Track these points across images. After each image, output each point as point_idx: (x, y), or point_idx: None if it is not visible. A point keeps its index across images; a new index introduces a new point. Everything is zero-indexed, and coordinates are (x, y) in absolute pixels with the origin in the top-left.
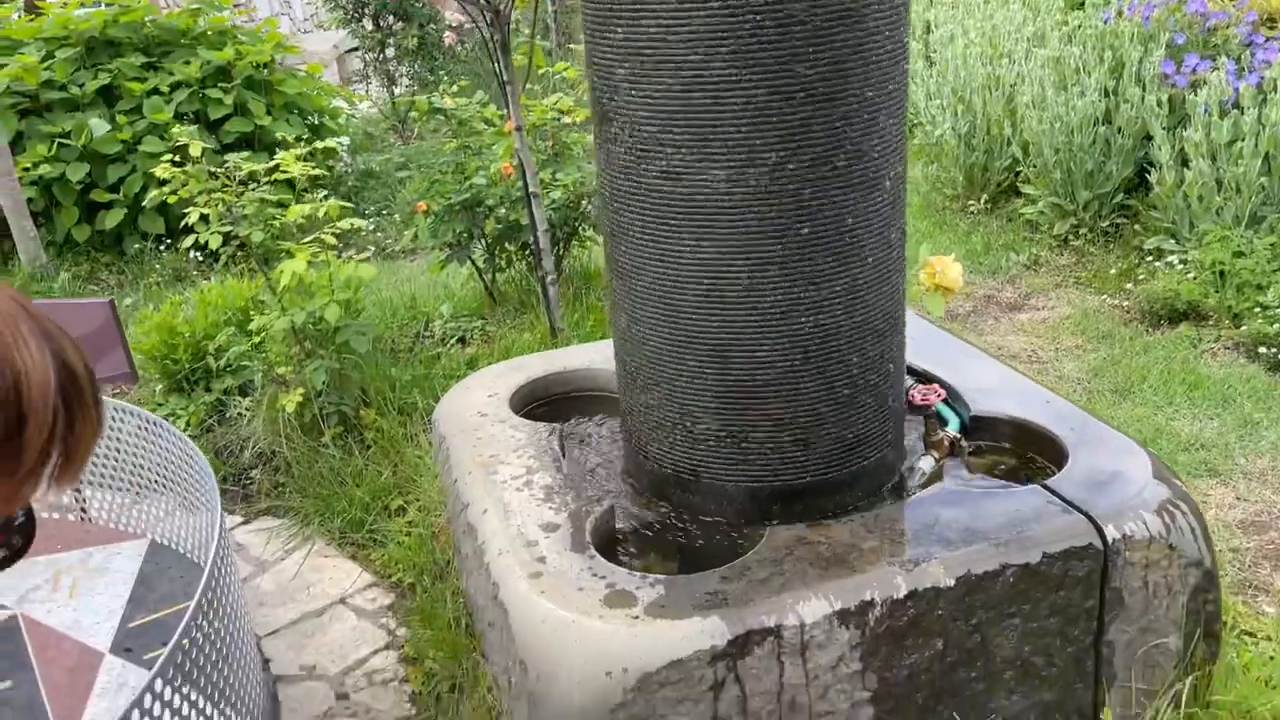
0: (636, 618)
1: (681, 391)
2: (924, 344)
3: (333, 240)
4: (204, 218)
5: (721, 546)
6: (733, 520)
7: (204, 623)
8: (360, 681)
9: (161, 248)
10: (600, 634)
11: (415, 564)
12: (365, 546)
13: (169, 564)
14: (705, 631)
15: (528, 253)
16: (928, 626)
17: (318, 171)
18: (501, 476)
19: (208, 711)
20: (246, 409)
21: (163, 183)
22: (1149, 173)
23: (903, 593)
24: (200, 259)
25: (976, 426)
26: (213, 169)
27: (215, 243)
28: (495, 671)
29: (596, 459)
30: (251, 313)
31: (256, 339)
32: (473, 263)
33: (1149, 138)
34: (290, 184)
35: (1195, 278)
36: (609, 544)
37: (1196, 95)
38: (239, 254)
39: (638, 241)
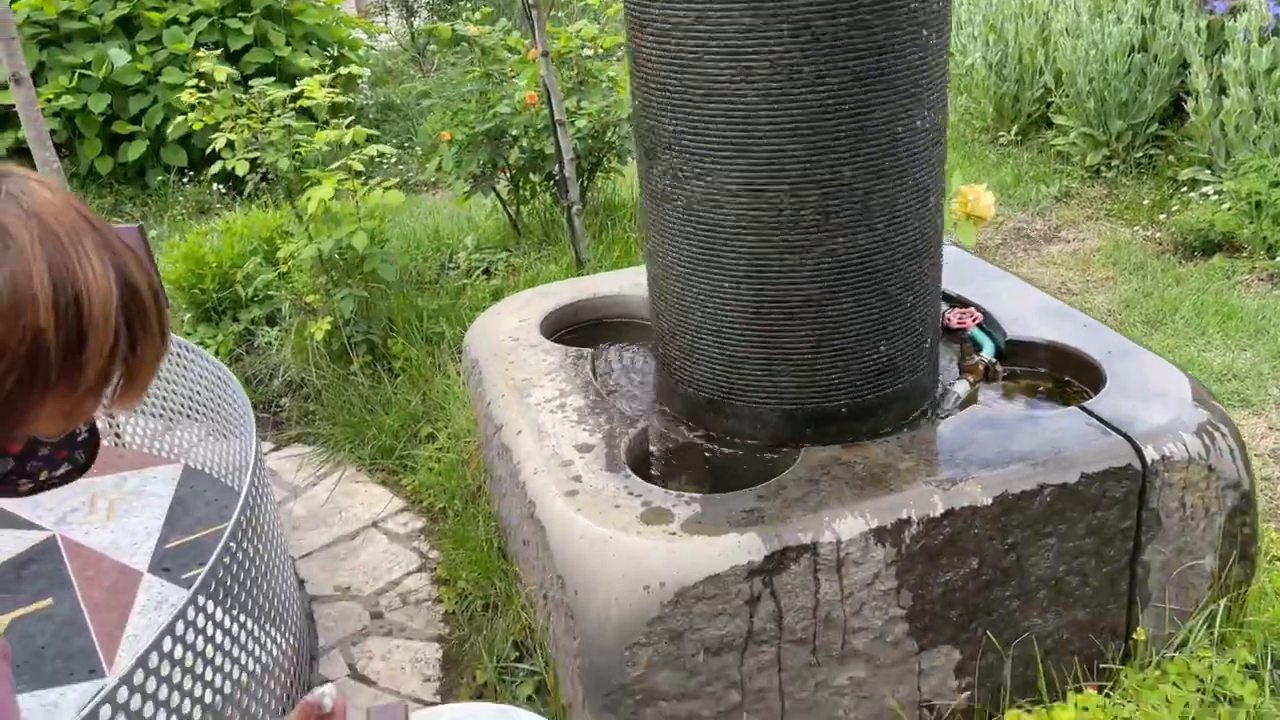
0: (674, 534)
1: (715, 313)
2: (959, 270)
3: (359, 166)
4: (230, 145)
5: (755, 468)
6: (766, 443)
7: (243, 543)
8: (394, 601)
9: (184, 180)
10: (638, 549)
11: (446, 489)
12: (396, 473)
13: (203, 488)
14: (742, 547)
15: (552, 184)
16: (963, 545)
17: (341, 98)
18: (535, 399)
19: (248, 627)
20: (275, 338)
21: (186, 112)
22: (1185, 102)
23: (939, 511)
24: (223, 191)
25: (1012, 351)
26: (237, 95)
27: (242, 169)
28: (530, 590)
29: (628, 384)
30: (278, 242)
31: (284, 268)
32: (497, 194)
33: (1186, 65)
34: (312, 116)
35: (1230, 208)
36: (642, 466)
37: (1235, 21)
38: (263, 185)
39: (673, 160)
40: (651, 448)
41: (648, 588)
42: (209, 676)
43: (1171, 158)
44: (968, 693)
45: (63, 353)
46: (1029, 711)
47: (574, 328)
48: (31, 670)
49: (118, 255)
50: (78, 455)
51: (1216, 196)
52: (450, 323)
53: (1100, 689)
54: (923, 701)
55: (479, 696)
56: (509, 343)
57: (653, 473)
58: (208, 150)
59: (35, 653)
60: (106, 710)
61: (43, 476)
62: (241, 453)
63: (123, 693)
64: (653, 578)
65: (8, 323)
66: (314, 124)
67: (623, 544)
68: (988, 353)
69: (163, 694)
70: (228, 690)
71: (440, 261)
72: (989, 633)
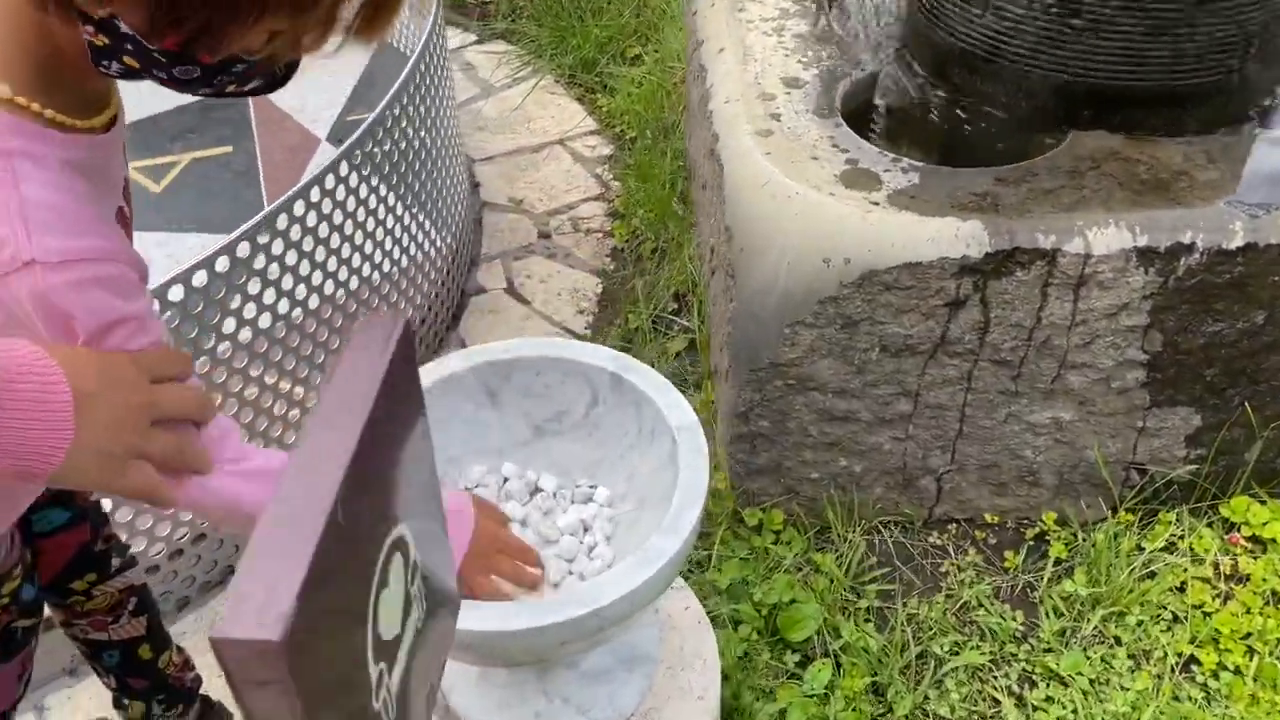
0: (876, 204)
1: None
2: None
3: None
4: None
5: (1002, 147)
6: (1025, 117)
7: (403, 122)
8: (564, 225)
9: None
10: (828, 214)
11: (641, 117)
12: (593, 91)
13: (396, 67)
14: (959, 236)
15: None
16: (1253, 292)
17: None
18: (750, 15)
19: (398, 211)
20: None
21: None
22: None
23: (1236, 243)
24: None
25: None
26: None
27: None
28: (701, 239)
29: (866, 18)
30: None
31: None
32: None
33: None
34: None
35: None
36: (860, 118)
37: None
38: None
39: None
40: (877, 99)
41: (828, 261)
42: (366, 249)
43: None
44: (1194, 465)
45: None
46: (1263, 502)
47: None
48: (200, 215)
49: None
50: (278, 69)
51: None
52: None
53: None
54: (1133, 463)
55: (628, 340)
56: None
57: (871, 128)
58: None
59: (209, 196)
60: (245, 248)
61: (229, 90)
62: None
63: (262, 236)
64: (837, 251)
65: None
66: None
67: (810, 203)
68: None
69: (306, 246)
70: (366, 272)
71: None
72: (1248, 404)
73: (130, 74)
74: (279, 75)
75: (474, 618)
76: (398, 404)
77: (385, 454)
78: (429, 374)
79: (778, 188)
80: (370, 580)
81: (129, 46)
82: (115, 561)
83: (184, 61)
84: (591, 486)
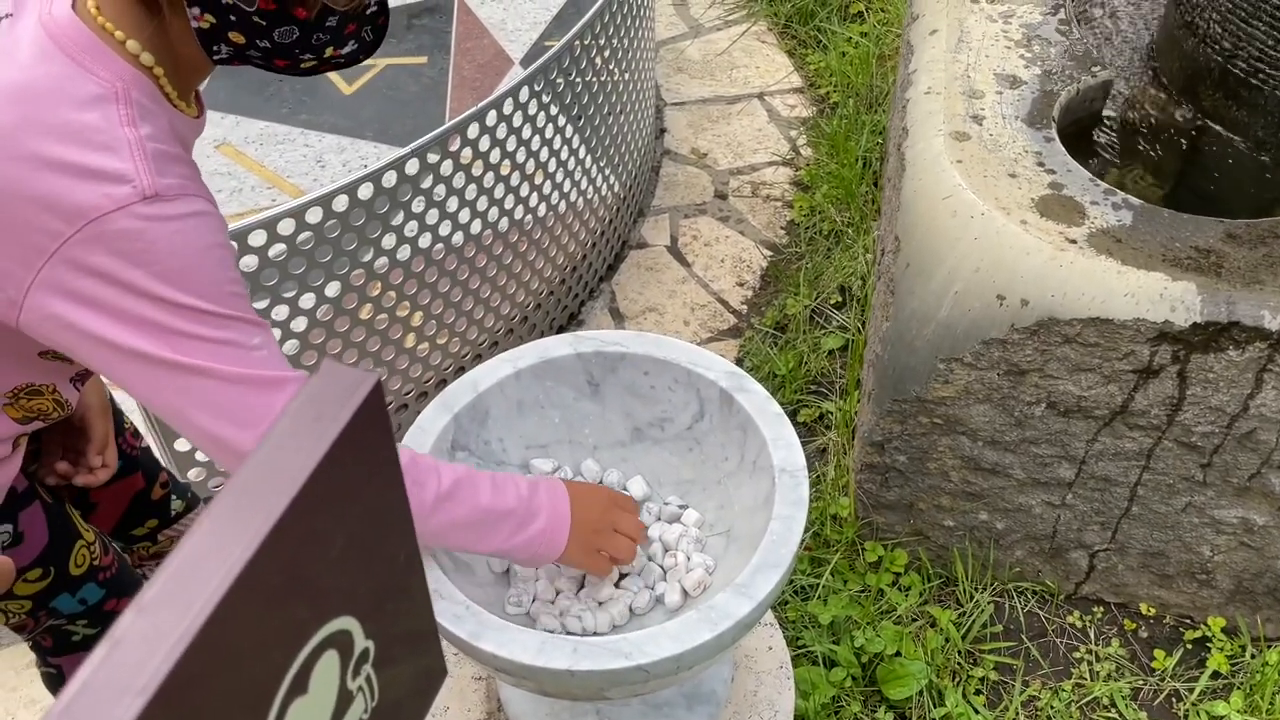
0: (1073, 241)
1: None
2: None
3: None
4: None
5: (1248, 191)
6: None
7: (593, 53)
8: (744, 188)
9: None
10: (1013, 244)
11: (851, 83)
12: (805, 45)
13: None
14: (1165, 298)
15: None
16: None
17: None
18: None
19: (574, 144)
20: None
21: None
22: None
23: None
24: None
25: None
26: None
27: None
28: (880, 234)
29: (1116, 19)
30: None
31: None
32: None
33: None
34: None
35: None
36: (1081, 136)
37: None
38: None
39: None
40: (1107, 111)
41: (1003, 299)
42: (536, 179)
43: None
44: None
45: None
46: None
47: None
48: (381, 123)
49: None
50: (366, 34)
51: None
52: None
53: None
54: None
55: (780, 327)
56: None
57: (1094, 146)
58: None
59: (395, 105)
60: (414, 165)
61: (327, 53)
62: None
63: (432, 155)
64: (1015, 290)
65: None
66: None
67: (995, 228)
68: None
69: (476, 170)
70: (533, 203)
71: None
72: None
73: (239, 53)
74: (369, 41)
75: (511, 647)
76: (354, 479)
77: (326, 538)
78: (531, 352)
79: (961, 204)
80: (270, 696)
81: (232, 19)
82: (178, 505)
83: (282, 21)
84: (681, 506)
